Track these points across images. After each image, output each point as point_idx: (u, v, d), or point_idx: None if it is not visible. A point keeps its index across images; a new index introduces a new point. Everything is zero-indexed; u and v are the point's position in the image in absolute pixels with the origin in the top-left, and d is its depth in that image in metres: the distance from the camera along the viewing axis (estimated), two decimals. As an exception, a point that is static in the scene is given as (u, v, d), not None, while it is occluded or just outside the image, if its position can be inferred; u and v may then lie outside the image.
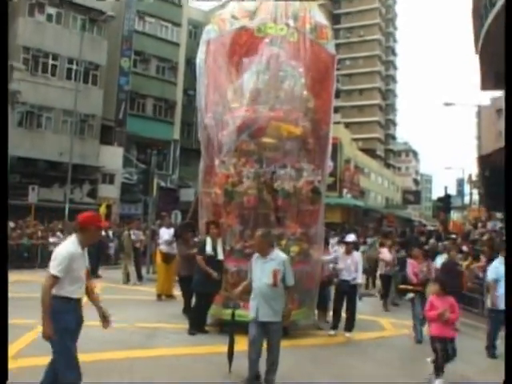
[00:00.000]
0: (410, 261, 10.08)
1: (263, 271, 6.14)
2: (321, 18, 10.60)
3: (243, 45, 9.85)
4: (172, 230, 13.67)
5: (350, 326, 9.79)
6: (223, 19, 10.32)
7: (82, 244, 4.90)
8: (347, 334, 9.66)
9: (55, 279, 4.60)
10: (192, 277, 9.48)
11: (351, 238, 10.54)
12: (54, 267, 4.63)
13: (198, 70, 10.51)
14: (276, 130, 9.50)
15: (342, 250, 10.49)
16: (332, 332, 9.77)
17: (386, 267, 13.84)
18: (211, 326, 9.49)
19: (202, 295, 9.26)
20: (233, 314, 6.92)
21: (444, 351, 6.66)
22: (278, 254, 6.31)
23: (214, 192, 9.74)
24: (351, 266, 9.79)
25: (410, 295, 9.78)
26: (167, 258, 13.27)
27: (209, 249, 9.13)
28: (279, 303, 6.10)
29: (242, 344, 6.72)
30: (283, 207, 9.49)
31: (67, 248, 4.79)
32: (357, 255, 10.16)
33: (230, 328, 6.92)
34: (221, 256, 9.19)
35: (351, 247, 10.12)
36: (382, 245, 14.98)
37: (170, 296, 13.18)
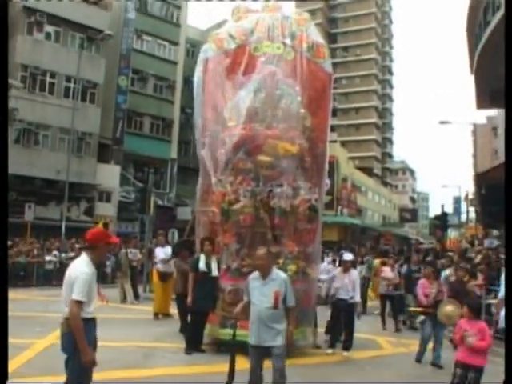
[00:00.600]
0: (420, 281, 9.76)
1: (263, 293, 5.79)
2: (317, 37, 10.65)
3: (240, 63, 9.89)
4: (167, 249, 13.66)
5: (347, 345, 9.70)
6: (221, 38, 10.38)
7: (93, 262, 4.81)
8: (345, 353, 9.57)
9: (81, 304, 4.51)
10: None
11: (349, 256, 10.46)
12: (78, 293, 4.50)
13: (196, 88, 10.56)
14: (272, 148, 9.47)
15: (338, 268, 10.40)
16: (330, 351, 9.68)
17: (388, 286, 13.50)
18: (208, 346, 9.39)
19: (198, 313, 9.18)
20: (234, 335, 6.60)
21: (464, 379, 6.26)
22: (278, 274, 5.97)
23: (211, 210, 9.71)
24: (348, 285, 9.68)
25: (421, 318, 9.38)
26: (164, 276, 13.22)
27: (202, 265, 9.06)
28: (281, 325, 5.77)
29: (240, 364, 6.67)
30: (280, 225, 9.39)
31: (83, 269, 4.65)
32: (354, 273, 10.06)
33: (231, 349, 6.54)
34: (215, 272, 9.11)
35: (349, 265, 10.01)
36: (383, 264, 14.70)
37: (167, 315, 13.10)
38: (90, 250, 4.87)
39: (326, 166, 10.67)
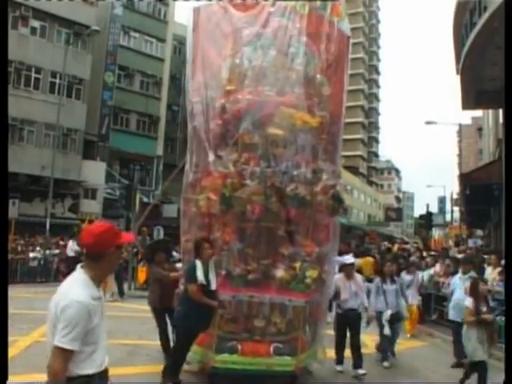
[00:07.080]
0: None
1: None
2: None
3: (242, 13, 7.60)
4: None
5: (359, 361, 8.06)
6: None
7: (96, 281, 3.04)
8: (360, 372, 7.91)
9: (69, 354, 2.89)
10: (171, 309, 7.46)
11: (350, 259, 8.76)
12: (65, 336, 2.85)
13: (187, 46, 8.23)
14: (287, 118, 7.12)
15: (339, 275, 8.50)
16: (339, 368, 8.20)
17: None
18: (196, 374, 7.37)
19: (188, 335, 6.74)
20: None
21: None
22: None
23: (203, 198, 7.14)
24: (358, 292, 8.20)
25: None
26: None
27: (201, 277, 6.52)
28: None
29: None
30: (297, 219, 7.11)
31: (78, 297, 2.87)
32: (359, 278, 8.57)
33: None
34: (214, 286, 6.64)
35: (351, 270, 8.40)
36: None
37: None
38: (91, 263, 2.99)
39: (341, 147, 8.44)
